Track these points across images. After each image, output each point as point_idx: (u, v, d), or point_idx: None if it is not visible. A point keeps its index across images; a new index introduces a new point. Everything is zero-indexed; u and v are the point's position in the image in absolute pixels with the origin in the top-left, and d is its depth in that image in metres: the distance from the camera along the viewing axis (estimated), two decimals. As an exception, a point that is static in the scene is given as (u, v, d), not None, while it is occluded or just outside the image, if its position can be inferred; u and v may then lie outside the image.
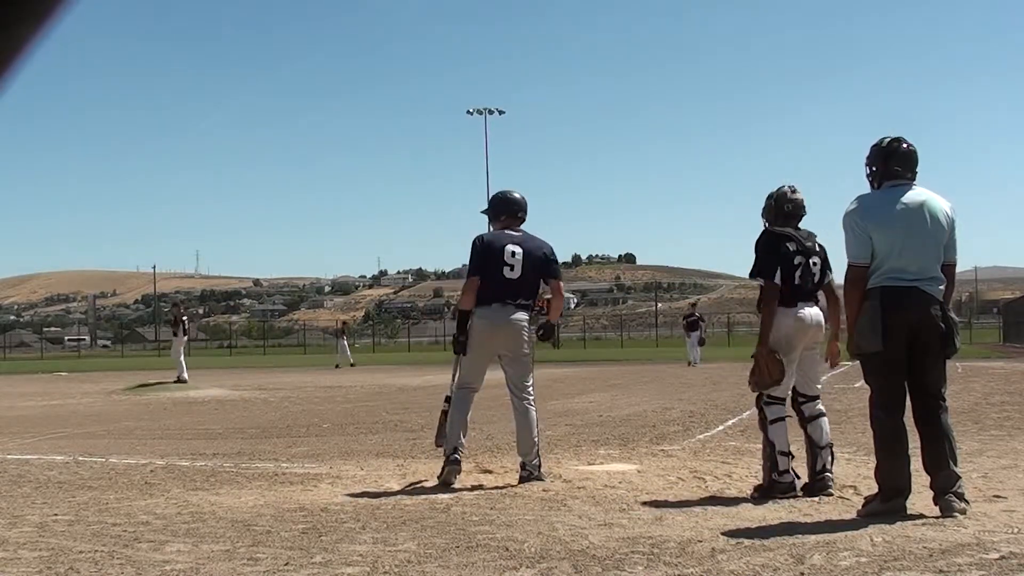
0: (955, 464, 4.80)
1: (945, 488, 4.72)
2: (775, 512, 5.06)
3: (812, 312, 5.73)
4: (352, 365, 32.45)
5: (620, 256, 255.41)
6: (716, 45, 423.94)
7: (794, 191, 5.89)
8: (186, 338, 20.92)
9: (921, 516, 4.71)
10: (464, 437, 6.55)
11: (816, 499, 5.40)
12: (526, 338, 6.45)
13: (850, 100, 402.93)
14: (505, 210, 6.63)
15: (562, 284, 6.85)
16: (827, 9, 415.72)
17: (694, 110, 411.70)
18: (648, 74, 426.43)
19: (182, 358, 20.19)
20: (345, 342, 34.43)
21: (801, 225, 5.87)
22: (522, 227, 6.62)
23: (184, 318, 21.07)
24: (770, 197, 5.88)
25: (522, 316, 6.43)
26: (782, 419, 5.67)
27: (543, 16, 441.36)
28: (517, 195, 6.72)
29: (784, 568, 3.76)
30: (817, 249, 5.80)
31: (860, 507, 4.91)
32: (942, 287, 4.90)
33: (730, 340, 60.46)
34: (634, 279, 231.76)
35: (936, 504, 4.73)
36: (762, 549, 4.09)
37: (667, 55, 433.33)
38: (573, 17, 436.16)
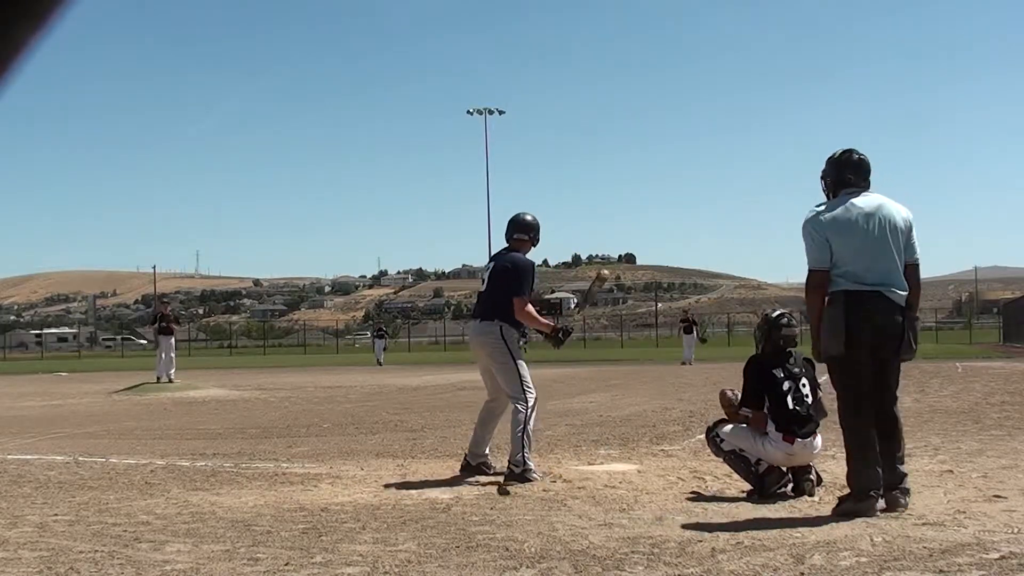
0: (903, 462, 4.99)
1: (892, 484, 4.88)
2: (775, 512, 5.07)
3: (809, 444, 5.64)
4: (380, 364, 34.13)
5: (620, 256, 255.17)
6: (716, 46, 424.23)
7: (789, 323, 5.94)
8: (172, 338, 20.67)
9: (922, 516, 4.73)
10: (477, 448, 6.73)
11: (816, 499, 5.41)
12: (490, 348, 6.60)
13: (850, 100, 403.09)
14: (513, 230, 6.93)
15: (521, 301, 6.59)
16: (827, 10, 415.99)
17: (694, 110, 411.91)
18: (648, 74, 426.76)
19: (161, 358, 20.02)
20: (382, 343, 36.68)
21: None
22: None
23: (169, 312, 21.07)
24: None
25: (486, 328, 6.62)
26: (734, 451, 5.74)
27: (543, 17, 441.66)
28: (528, 217, 6.96)
29: (784, 568, 3.76)
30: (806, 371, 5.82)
31: (834, 506, 4.96)
32: (903, 292, 4.99)
33: (730, 340, 60.48)
34: (634, 279, 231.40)
35: (885, 500, 4.87)
36: (762, 549, 4.09)
37: (667, 55, 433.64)
38: (573, 18, 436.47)
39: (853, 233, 4.97)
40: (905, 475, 4.96)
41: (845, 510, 4.83)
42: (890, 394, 5.05)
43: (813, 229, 5.04)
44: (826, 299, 5.03)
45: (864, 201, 5.06)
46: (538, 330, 6.84)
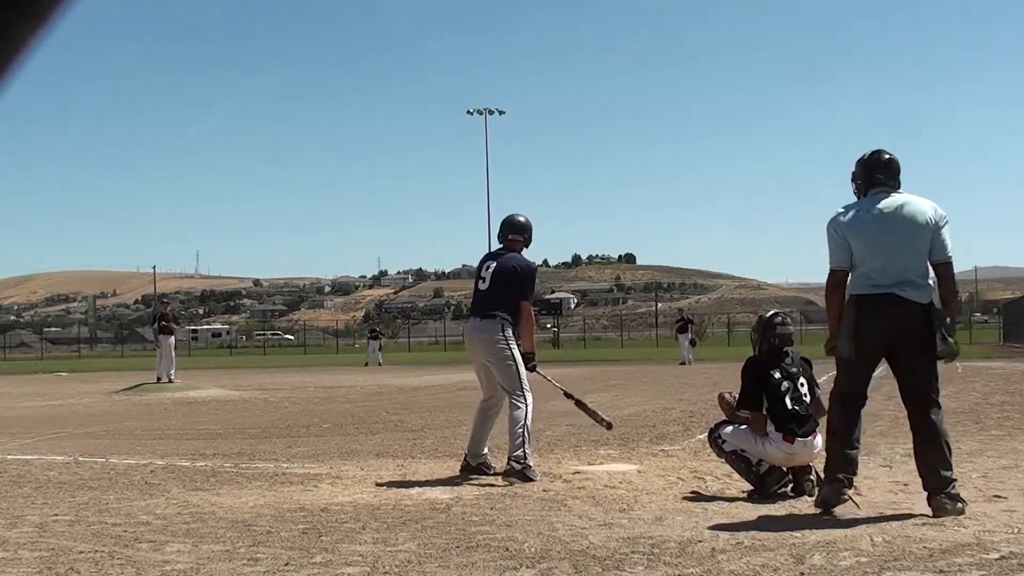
0: (948, 467, 4.85)
1: (937, 489, 4.80)
2: (775, 512, 5.07)
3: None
4: (380, 365, 34.37)
5: (620, 256, 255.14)
6: (716, 46, 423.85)
7: (783, 322, 5.98)
8: (173, 338, 20.48)
9: (922, 516, 4.73)
10: (477, 447, 6.72)
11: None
12: (494, 346, 6.58)
13: (850, 101, 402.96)
14: (507, 231, 6.96)
15: (528, 305, 6.71)
16: (827, 10, 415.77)
17: (694, 110, 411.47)
18: (648, 74, 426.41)
19: (161, 358, 19.87)
20: (378, 344, 36.77)
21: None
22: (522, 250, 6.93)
23: (169, 312, 21.03)
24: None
25: (487, 325, 6.61)
26: (735, 451, 5.76)
27: (543, 17, 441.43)
28: (521, 218, 7.01)
29: (784, 568, 3.76)
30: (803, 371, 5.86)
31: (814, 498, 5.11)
32: (923, 291, 4.94)
33: (730, 340, 60.50)
34: (634, 279, 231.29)
35: (930, 505, 4.80)
36: (762, 549, 4.09)
37: (667, 55, 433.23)
38: (573, 18, 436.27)
39: (869, 233, 5.00)
40: (951, 480, 4.83)
41: (818, 498, 5.00)
42: (922, 398, 4.96)
43: (833, 229, 5.12)
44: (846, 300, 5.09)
45: (886, 201, 5.06)
46: (518, 340, 6.75)
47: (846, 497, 4.94)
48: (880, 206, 5.05)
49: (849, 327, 4.97)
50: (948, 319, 4.98)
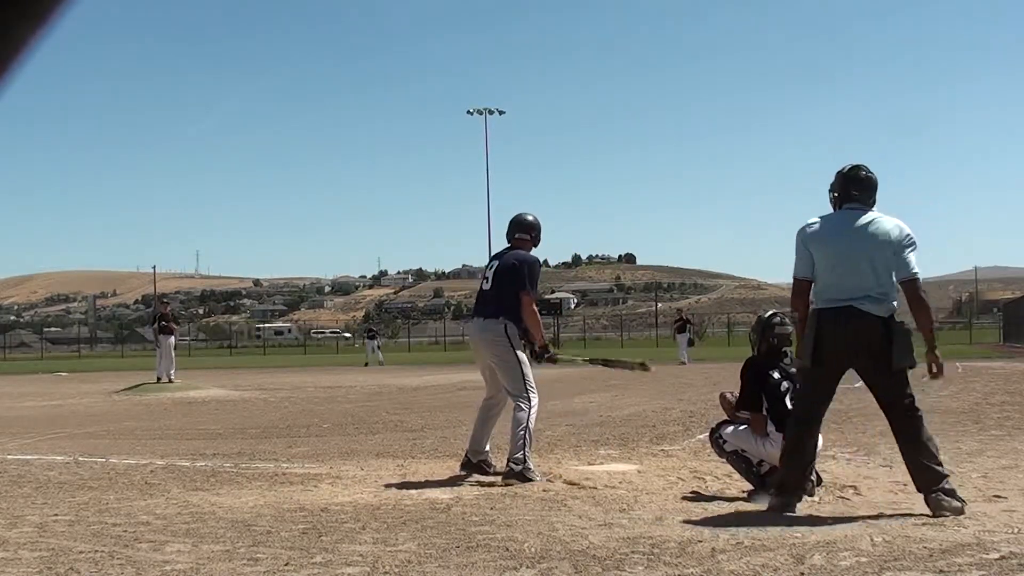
0: (937, 462, 4.91)
1: (930, 486, 4.84)
2: (775, 512, 5.07)
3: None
4: (380, 364, 34.31)
5: (620, 256, 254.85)
6: (716, 46, 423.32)
7: (782, 323, 6.00)
8: (173, 338, 20.38)
9: (922, 516, 4.73)
10: (478, 445, 6.70)
11: (816, 499, 5.42)
12: (497, 347, 6.55)
13: (850, 101, 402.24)
14: (514, 230, 6.94)
15: (529, 298, 6.60)
16: (827, 10, 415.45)
17: (694, 110, 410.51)
18: (649, 74, 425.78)
19: (161, 358, 19.80)
20: (375, 343, 36.95)
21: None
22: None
23: (169, 312, 21.01)
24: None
25: (489, 325, 6.58)
26: (736, 451, 5.79)
27: (543, 17, 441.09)
28: (530, 217, 6.98)
29: (784, 568, 3.77)
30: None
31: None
32: (883, 305, 4.98)
33: (730, 340, 60.51)
34: (634, 279, 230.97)
35: (927, 504, 4.83)
36: (762, 549, 4.09)
37: (667, 56, 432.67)
38: (573, 18, 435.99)
39: (831, 246, 5.09)
40: (943, 476, 4.87)
41: (769, 503, 5.10)
42: (892, 406, 5.01)
43: (799, 240, 5.22)
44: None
45: (853, 216, 5.12)
46: (528, 336, 6.69)
47: (795, 506, 5.04)
48: (846, 221, 5.12)
49: (810, 337, 5.07)
50: (923, 333, 5.06)
